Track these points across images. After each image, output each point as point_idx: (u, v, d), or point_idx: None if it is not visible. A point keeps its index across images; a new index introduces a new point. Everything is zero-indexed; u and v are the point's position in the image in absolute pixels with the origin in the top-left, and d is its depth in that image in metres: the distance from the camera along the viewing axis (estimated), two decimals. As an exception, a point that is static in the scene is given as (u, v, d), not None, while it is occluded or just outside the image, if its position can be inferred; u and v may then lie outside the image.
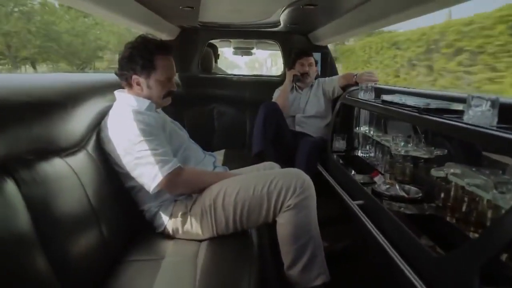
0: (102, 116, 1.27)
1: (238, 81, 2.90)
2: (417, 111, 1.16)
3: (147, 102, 1.29)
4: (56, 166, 0.93)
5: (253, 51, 4.56)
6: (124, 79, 1.31)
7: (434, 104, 1.16)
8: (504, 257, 0.82)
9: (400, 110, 1.27)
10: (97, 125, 1.25)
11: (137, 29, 2.16)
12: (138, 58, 1.26)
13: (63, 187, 0.92)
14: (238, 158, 2.14)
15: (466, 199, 1.07)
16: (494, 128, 0.85)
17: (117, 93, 1.33)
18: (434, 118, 1.05)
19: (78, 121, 1.13)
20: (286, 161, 1.96)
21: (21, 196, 0.76)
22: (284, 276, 1.22)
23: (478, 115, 0.91)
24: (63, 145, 1.01)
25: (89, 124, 1.19)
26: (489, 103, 0.89)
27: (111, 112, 1.27)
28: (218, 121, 2.76)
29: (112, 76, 1.35)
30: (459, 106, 1.09)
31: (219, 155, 2.19)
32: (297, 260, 1.19)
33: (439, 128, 1.06)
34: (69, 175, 0.97)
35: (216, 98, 2.78)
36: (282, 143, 2.19)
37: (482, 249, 0.75)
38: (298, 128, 2.39)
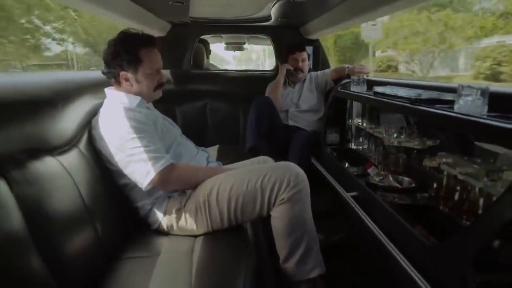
0: (93, 114, 1.26)
1: (231, 77, 2.88)
2: (408, 102, 1.16)
3: (138, 99, 1.28)
4: (48, 165, 0.92)
5: (245, 46, 4.54)
6: (112, 77, 1.29)
7: (425, 94, 1.17)
8: (496, 243, 0.83)
9: (392, 101, 1.28)
10: (89, 123, 1.24)
11: (128, 26, 2.13)
12: (123, 53, 1.25)
13: (56, 186, 0.91)
14: (231, 153, 2.14)
15: (458, 188, 1.08)
16: (485, 116, 0.86)
17: (108, 90, 1.32)
18: (426, 109, 1.05)
19: (69, 119, 1.12)
20: (279, 155, 1.97)
21: (13, 196, 0.75)
22: (280, 269, 1.22)
23: (469, 104, 0.91)
24: (55, 144, 1.00)
25: (80, 122, 1.18)
26: (479, 92, 0.90)
27: (102, 109, 1.26)
28: (211, 117, 2.75)
29: (102, 74, 1.33)
30: (449, 96, 1.09)
31: (213, 150, 2.19)
32: (292, 253, 1.19)
33: (431, 118, 1.06)
34: (61, 174, 0.96)
35: (209, 93, 2.77)
36: (275, 138, 2.19)
37: (475, 237, 0.76)
38: (291, 122, 2.39)
